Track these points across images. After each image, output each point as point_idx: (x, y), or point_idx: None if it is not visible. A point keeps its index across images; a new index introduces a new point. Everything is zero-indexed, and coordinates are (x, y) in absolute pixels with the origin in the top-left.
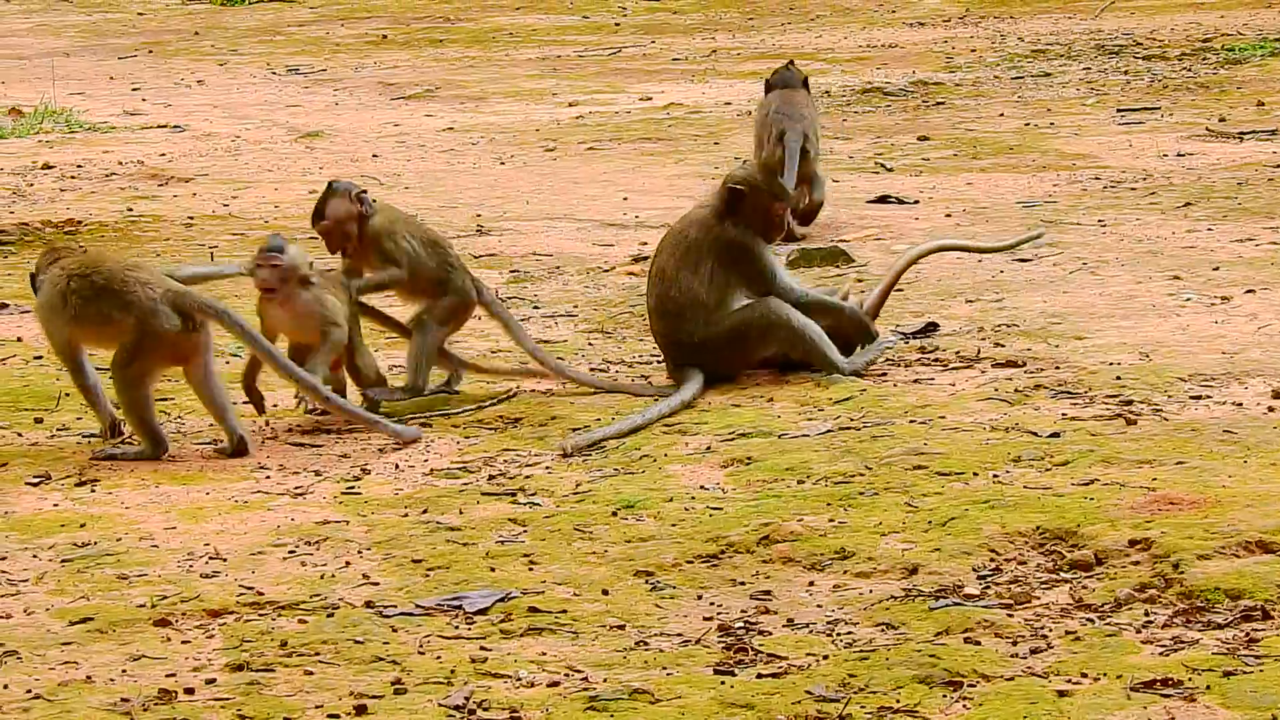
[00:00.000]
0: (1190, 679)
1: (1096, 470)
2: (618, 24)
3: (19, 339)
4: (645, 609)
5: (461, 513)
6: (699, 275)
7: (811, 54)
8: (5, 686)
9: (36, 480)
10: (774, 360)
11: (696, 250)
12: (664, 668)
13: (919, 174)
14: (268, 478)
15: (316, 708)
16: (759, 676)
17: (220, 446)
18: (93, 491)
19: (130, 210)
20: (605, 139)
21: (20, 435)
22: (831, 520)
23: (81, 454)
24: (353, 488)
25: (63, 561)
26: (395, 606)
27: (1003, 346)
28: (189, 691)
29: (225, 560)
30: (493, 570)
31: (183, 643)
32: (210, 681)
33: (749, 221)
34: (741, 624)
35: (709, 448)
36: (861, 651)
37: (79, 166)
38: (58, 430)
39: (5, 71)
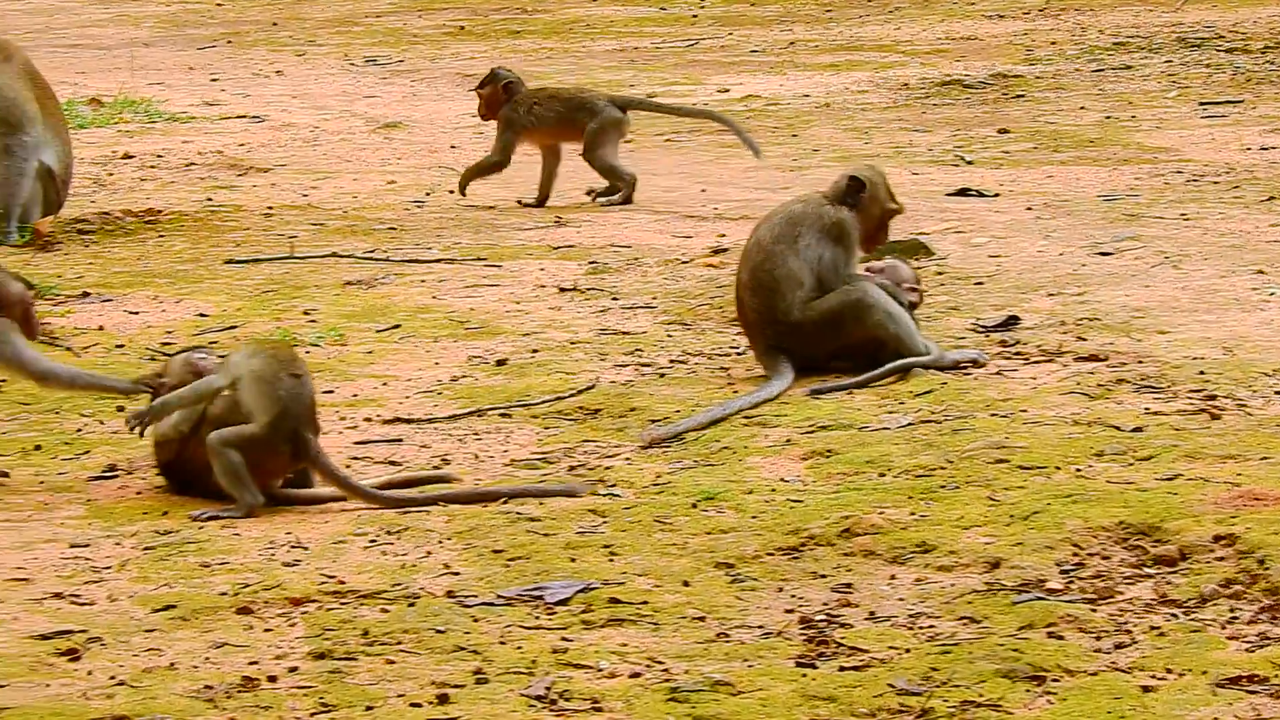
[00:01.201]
0: (1276, 675)
1: (1180, 465)
2: (695, 15)
3: (100, 327)
4: (726, 601)
5: (542, 503)
6: (795, 249)
7: (890, 46)
8: (90, 673)
9: (119, 469)
10: (860, 351)
11: (799, 223)
12: (745, 660)
13: (999, 167)
14: (349, 467)
15: (398, 696)
16: (841, 669)
17: None
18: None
19: (210, 200)
20: (683, 131)
21: (102, 424)
22: (913, 513)
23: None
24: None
25: (145, 549)
26: (476, 596)
27: (1085, 340)
28: (271, 679)
29: (307, 549)
30: (573, 561)
31: (265, 631)
32: (293, 670)
33: (863, 215)
34: (823, 616)
35: (789, 440)
36: (944, 645)
37: (159, 156)
38: None
39: (85, 62)
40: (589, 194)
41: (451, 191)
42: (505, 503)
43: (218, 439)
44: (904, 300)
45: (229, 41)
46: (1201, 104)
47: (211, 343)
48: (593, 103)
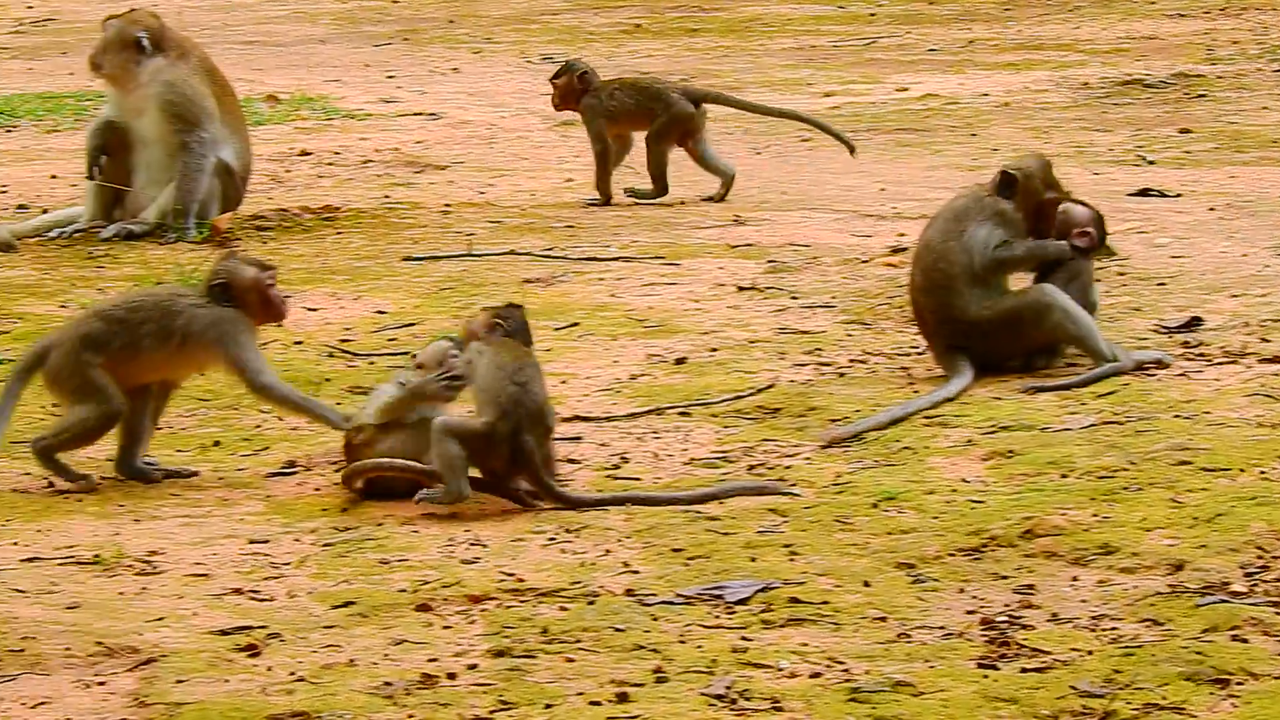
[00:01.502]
0: None
1: None
2: (873, 14)
3: (279, 324)
4: (907, 601)
5: (722, 502)
6: (963, 245)
7: (1069, 44)
8: (269, 669)
9: (298, 465)
10: (1041, 351)
11: (963, 219)
12: (926, 660)
13: (1180, 167)
14: None
15: (578, 695)
16: (1022, 671)
17: None
18: None
19: (387, 197)
20: (861, 129)
21: (280, 419)
22: (1095, 515)
23: (340, 439)
24: (612, 476)
25: (325, 545)
26: (656, 595)
27: (1269, 342)
28: (451, 676)
29: (486, 546)
30: (753, 560)
31: (444, 628)
32: (472, 667)
33: (1020, 208)
34: (1004, 618)
35: (970, 440)
36: (1126, 647)
37: (336, 153)
38: None
39: (263, 58)
40: (625, 191)
41: (626, 190)
42: (721, 503)
43: (442, 426)
44: (1082, 275)
45: (405, 39)
46: None
47: (390, 339)
48: (666, 95)
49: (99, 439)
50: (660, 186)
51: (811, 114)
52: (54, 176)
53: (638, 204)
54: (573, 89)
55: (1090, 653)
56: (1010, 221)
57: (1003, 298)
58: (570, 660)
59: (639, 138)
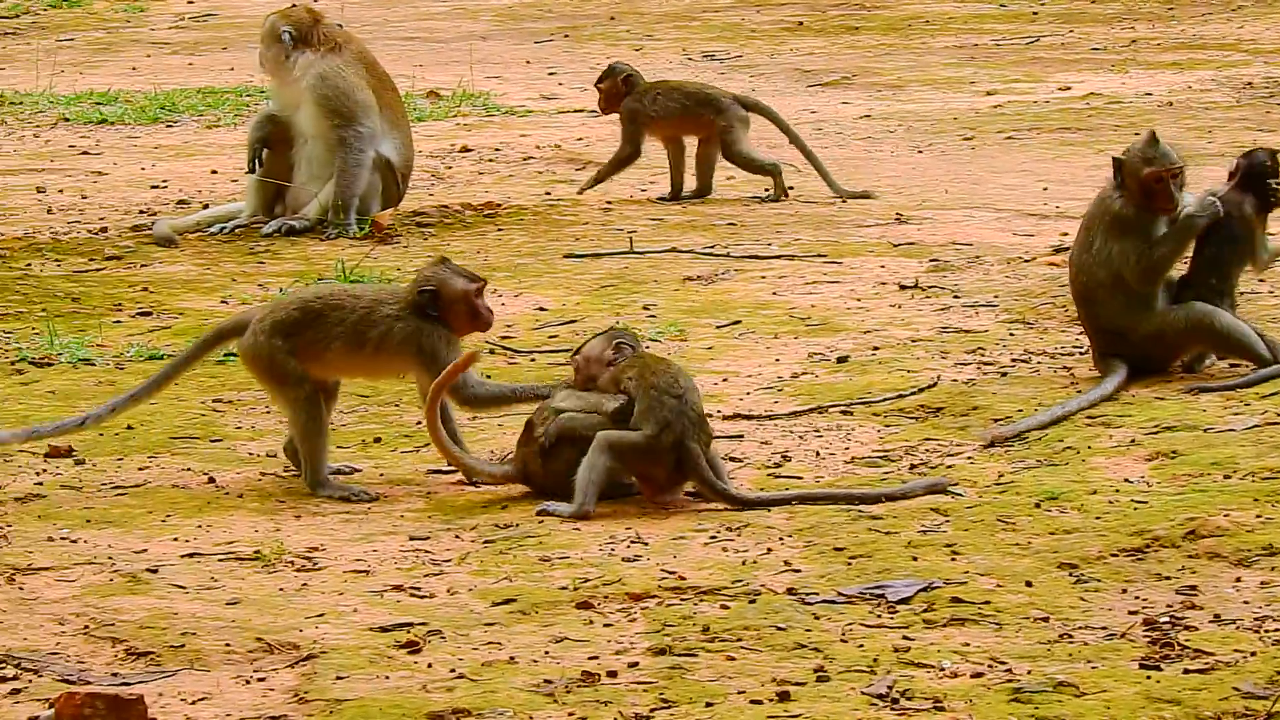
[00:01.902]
0: None
1: None
2: (1035, 12)
3: None
4: (1069, 601)
5: (887, 501)
6: (1091, 252)
7: (1233, 44)
8: (430, 666)
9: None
10: (1196, 359)
11: (1090, 227)
12: (1088, 661)
13: None
14: None
15: (739, 693)
16: (1185, 672)
17: None
18: None
19: (548, 194)
20: (1024, 128)
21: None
22: (1259, 516)
23: (504, 437)
24: (774, 474)
25: (485, 543)
26: (817, 594)
27: None
28: (611, 674)
29: (647, 544)
30: (915, 560)
31: (605, 626)
32: (633, 665)
33: (1130, 192)
34: (1167, 619)
35: (1133, 440)
36: None
37: (496, 150)
38: None
39: (423, 55)
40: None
41: (791, 187)
42: (882, 502)
43: (605, 440)
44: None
45: (566, 35)
46: None
47: (551, 336)
48: (718, 99)
49: (321, 424)
50: (767, 174)
51: (816, 156)
52: (214, 172)
53: (802, 201)
54: (618, 92)
55: (1253, 654)
56: (1126, 222)
57: (1160, 313)
58: (731, 659)
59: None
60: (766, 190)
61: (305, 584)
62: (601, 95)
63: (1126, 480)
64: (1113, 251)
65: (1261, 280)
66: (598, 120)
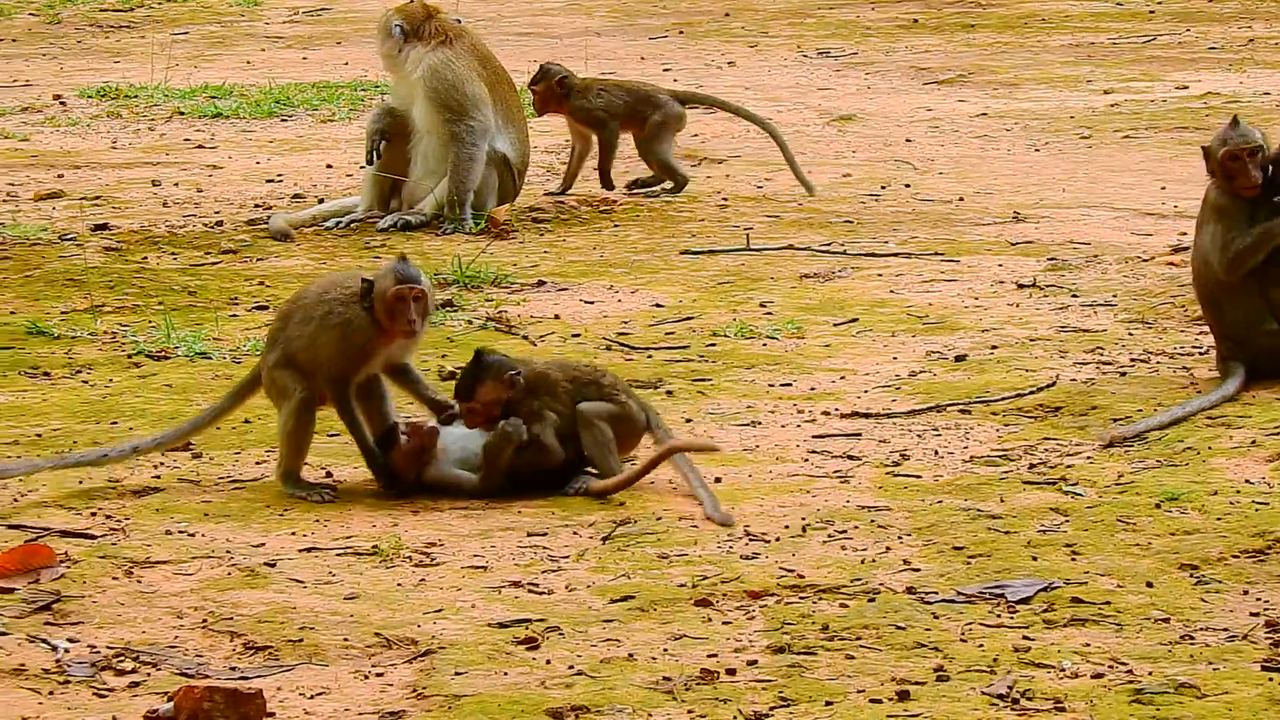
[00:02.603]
0: None
1: None
2: (1152, 11)
3: (556, 316)
4: (1190, 603)
5: (1003, 500)
6: (1200, 241)
7: None
8: (548, 662)
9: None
10: None
11: (1200, 219)
12: (1210, 662)
13: None
14: (806, 460)
15: (858, 692)
16: None
17: None
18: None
19: (664, 189)
20: (1141, 127)
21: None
22: None
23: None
24: (894, 472)
25: (603, 539)
26: (937, 593)
27: None
28: (730, 672)
29: (765, 542)
30: (1034, 559)
31: (724, 623)
32: (751, 663)
33: (1218, 178)
34: None
35: (1254, 441)
36: None
37: None
38: None
39: (538, 51)
40: (630, 186)
41: (908, 185)
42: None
43: (592, 411)
44: None
45: (681, 32)
46: None
47: (668, 333)
48: (655, 96)
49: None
50: (672, 178)
51: (781, 134)
52: (329, 166)
53: (919, 199)
54: (553, 93)
55: None
56: (1221, 209)
57: (1270, 321)
58: (850, 658)
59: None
60: (664, 186)
61: (423, 579)
62: (536, 97)
63: (1247, 481)
64: (1206, 238)
65: None
66: (713, 116)
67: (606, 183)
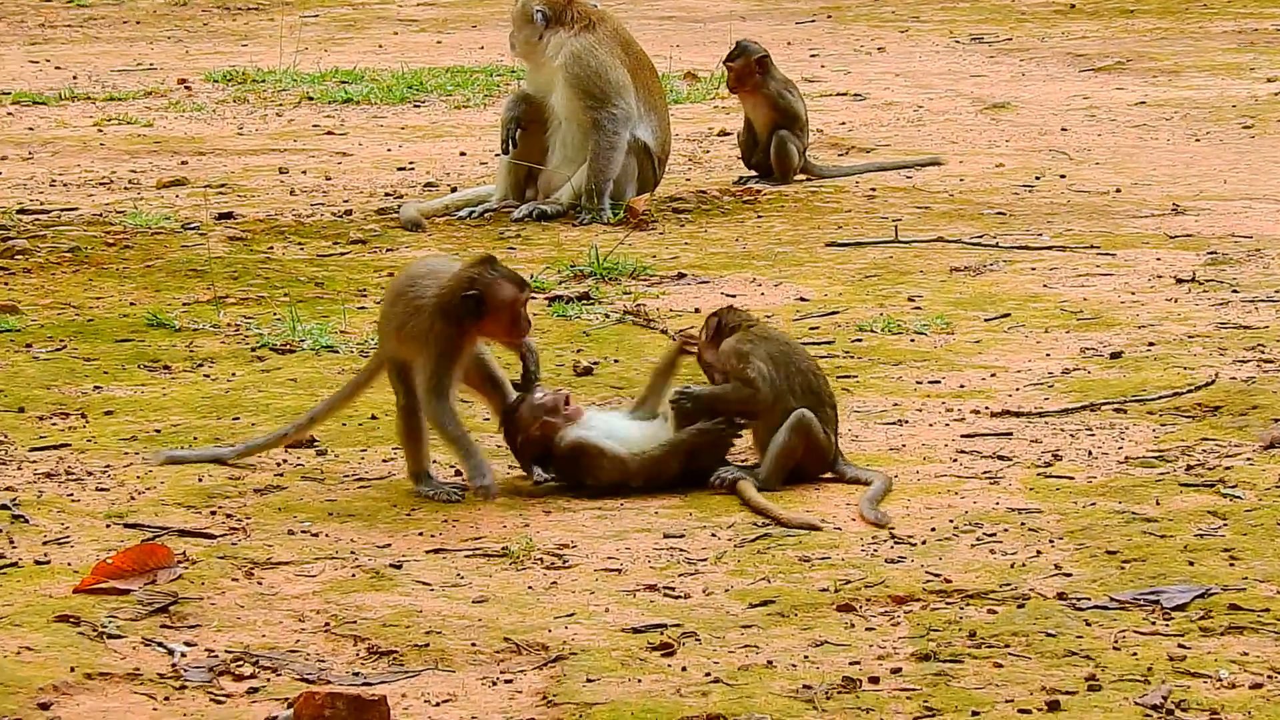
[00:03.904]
0: None
1: None
2: None
3: (696, 310)
4: None
5: (1158, 503)
6: None
7: None
8: (684, 669)
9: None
10: None
11: None
12: None
13: None
14: (955, 460)
15: (1006, 702)
16: None
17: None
18: None
19: (809, 179)
20: None
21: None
22: None
23: None
24: (1045, 473)
25: (742, 542)
26: (1089, 599)
27: None
28: (873, 680)
29: (911, 545)
30: (1191, 564)
31: (867, 630)
32: (895, 671)
33: None
34: None
35: None
36: None
37: None
38: None
39: (681, 35)
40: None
41: (1063, 175)
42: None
43: (808, 423)
44: None
45: (829, 16)
46: None
47: (813, 328)
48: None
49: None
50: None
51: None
52: (463, 154)
53: (1074, 190)
54: (750, 71)
55: None
56: None
57: None
58: (999, 666)
59: None
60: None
61: (554, 582)
62: (731, 74)
63: None
64: None
65: None
66: (862, 105)
67: (785, 176)
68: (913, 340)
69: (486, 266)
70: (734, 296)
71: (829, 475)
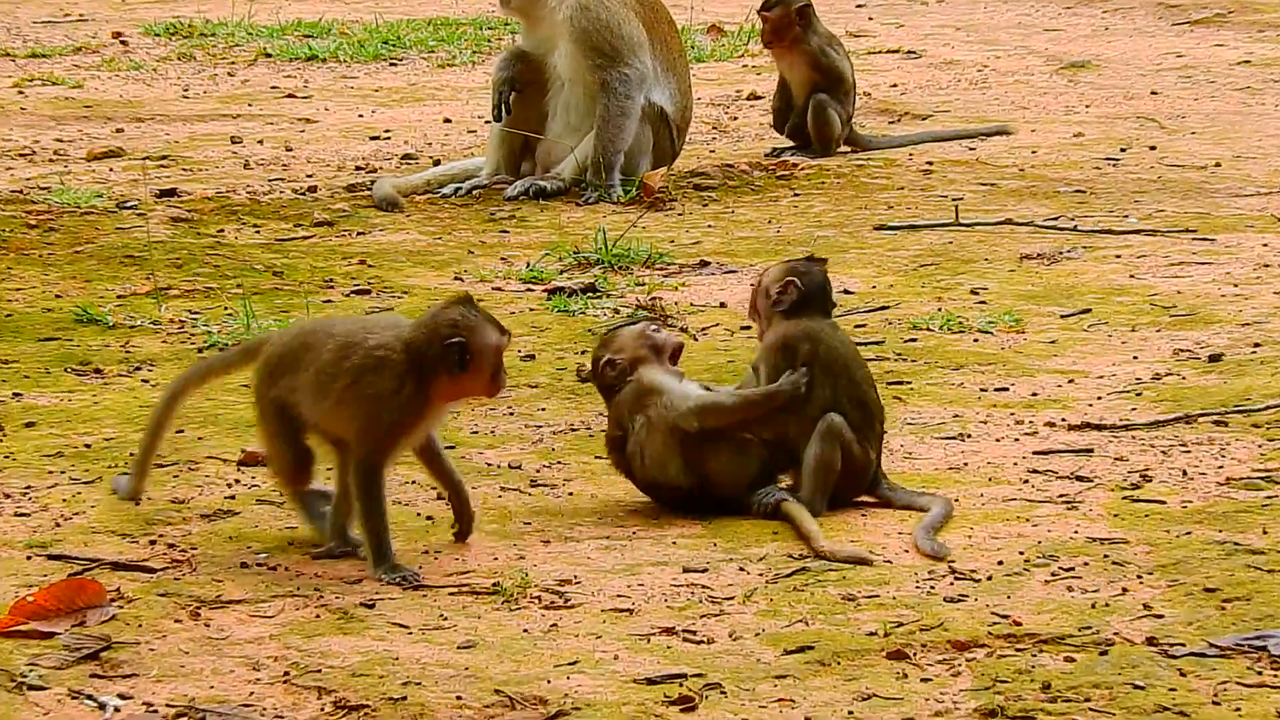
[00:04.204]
0: None
1: None
2: None
3: (722, 304)
4: None
5: (1266, 532)
6: None
7: None
8: None
9: None
10: None
11: None
12: None
13: None
14: (1026, 482)
15: None
16: None
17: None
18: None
19: (854, 152)
20: None
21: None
22: None
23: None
24: (1132, 497)
25: (775, 577)
26: (1183, 645)
27: None
28: None
29: (975, 581)
30: None
31: (922, 680)
32: None
33: None
34: None
35: None
36: None
37: None
38: None
39: None
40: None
41: (1153, 147)
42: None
43: (840, 428)
44: None
45: None
46: None
47: (858, 326)
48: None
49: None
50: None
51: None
52: (447, 120)
53: (1167, 165)
54: (788, 23)
55: None
56: None
57: None
58: None
59: None
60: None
61: (554, 624)
62: (767, 25)
63: None
64: None
65: None
66: (916, 63)
67: (825, 147)
68: (976, 340)
69: (468, 308)
70: None
71: (873, 500)
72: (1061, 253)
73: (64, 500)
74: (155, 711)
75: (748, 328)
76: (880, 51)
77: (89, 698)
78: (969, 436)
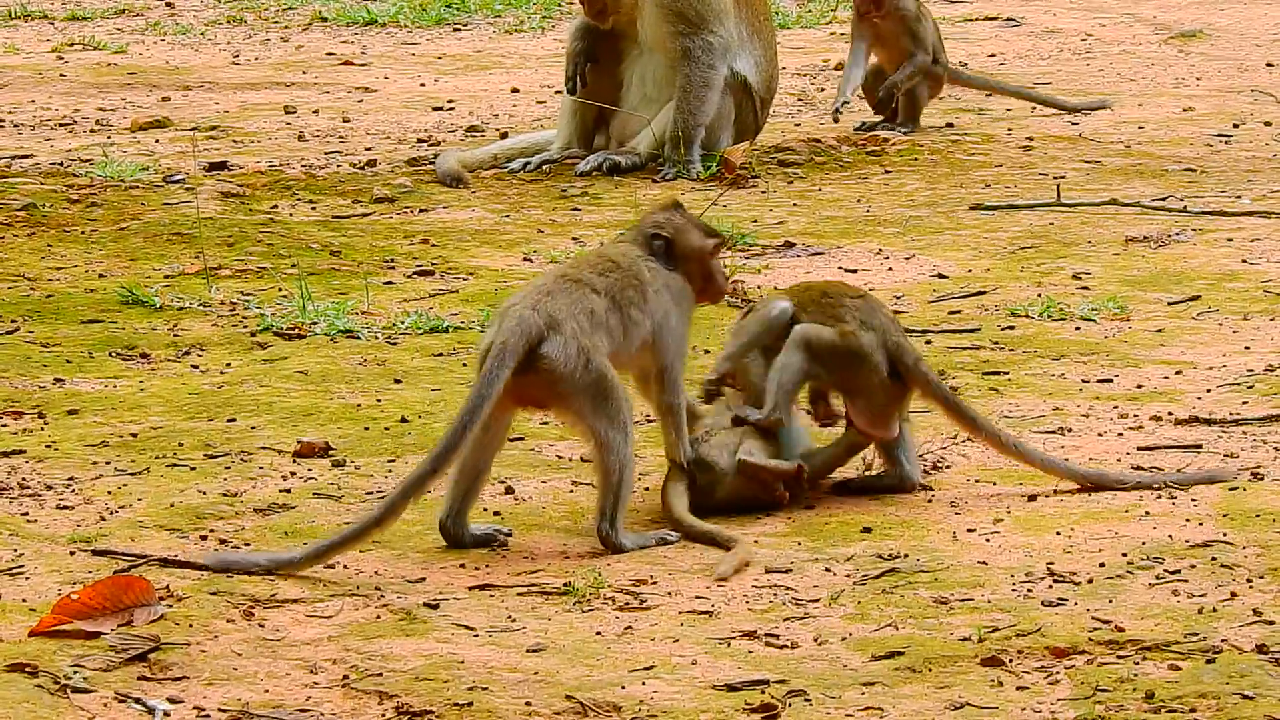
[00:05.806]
0: None
1: None
2: None
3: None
4: None
5: None
6: None
7: None
8: None
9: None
10: None
11: None
12: None
13: None
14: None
15: None
16: None
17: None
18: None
19: (950, 126)
20: None
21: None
22: None
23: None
24: (1243, 496)
25: (863, 579)
26: None
27: None
28: None
29: (1075, 584)
30: None
31: (1018, 689)
32: None
33: None
34: None
35: None
36: None
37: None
38: None
39: None
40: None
41: (1268, 124)
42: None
43: (802, 335)
44: None
45: None
46: None
47: (952, 312)
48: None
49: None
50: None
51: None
52: (515, 90)
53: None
54: None
55: None
56: None
57: None
58: None
59: None
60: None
61: (629, 627)
62: None
63: None
64: None
65: None
66: (1015, 32)
67: (910, 120)
68: (1078, 328)
69: (674, 211)
70: (854, 272)
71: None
72: (1170, 235)
73: (109, 493)
74: (207, 716)
75: None
76: (977, 19)
77: (137, 701)
78: (1070, 430)
